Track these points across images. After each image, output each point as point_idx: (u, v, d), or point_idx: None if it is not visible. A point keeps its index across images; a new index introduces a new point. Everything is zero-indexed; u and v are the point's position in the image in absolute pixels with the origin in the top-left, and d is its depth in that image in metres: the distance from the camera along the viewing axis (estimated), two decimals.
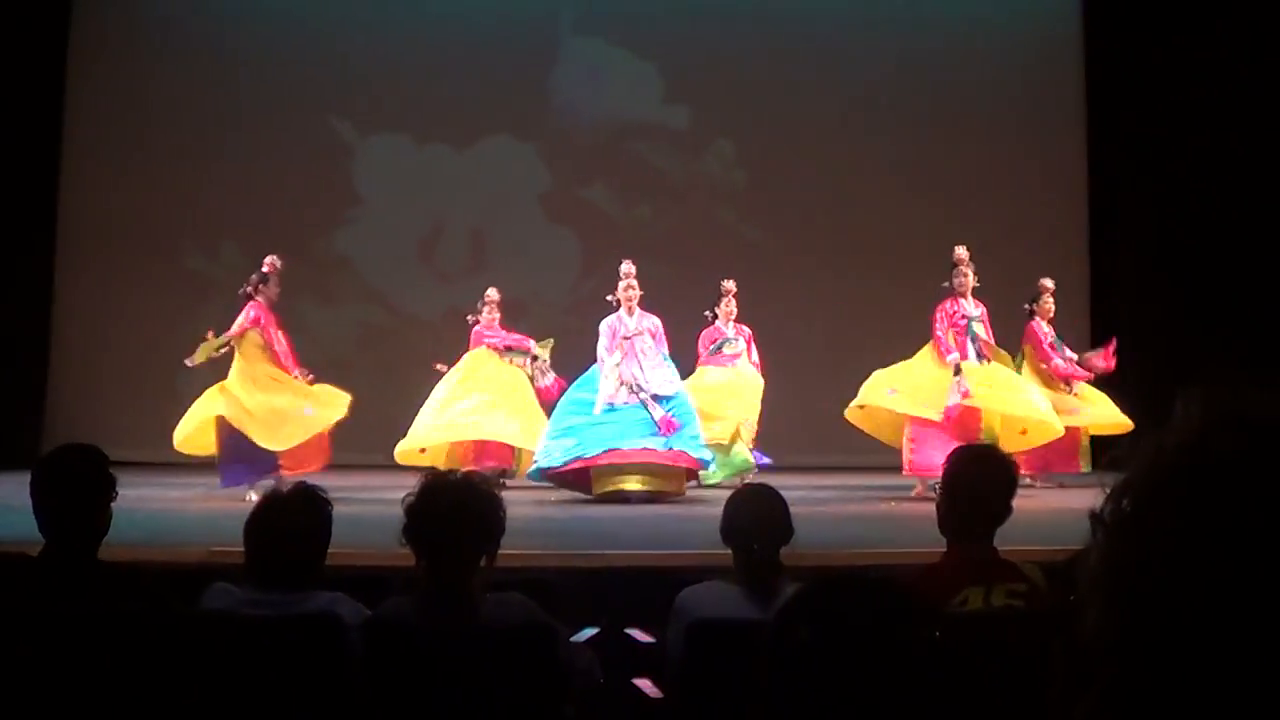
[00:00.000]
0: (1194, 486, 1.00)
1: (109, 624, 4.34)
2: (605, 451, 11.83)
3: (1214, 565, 0.97)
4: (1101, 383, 13.31)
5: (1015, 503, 4.56)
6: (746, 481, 9.84)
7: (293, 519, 4.44)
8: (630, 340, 12.28)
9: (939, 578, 4.36)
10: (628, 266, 12.52)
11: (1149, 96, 15.41)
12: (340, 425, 12.23)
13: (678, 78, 16.24)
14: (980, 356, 12.37)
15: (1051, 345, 13.11)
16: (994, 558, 4.50)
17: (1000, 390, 12.21)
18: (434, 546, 4.24)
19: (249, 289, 12.09)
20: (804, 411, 13.51)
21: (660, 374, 12.20)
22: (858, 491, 12.56)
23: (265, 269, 12.14)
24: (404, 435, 12.83)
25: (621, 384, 12.12)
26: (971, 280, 12.51)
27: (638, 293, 12.44)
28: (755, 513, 4.88)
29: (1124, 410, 12.66)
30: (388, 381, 13.76)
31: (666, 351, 12.36)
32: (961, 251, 12.60)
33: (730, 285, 13.34)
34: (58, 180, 15.66)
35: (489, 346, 13.02)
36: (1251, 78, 14.53)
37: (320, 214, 15.93)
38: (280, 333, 12.11)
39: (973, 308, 12.53)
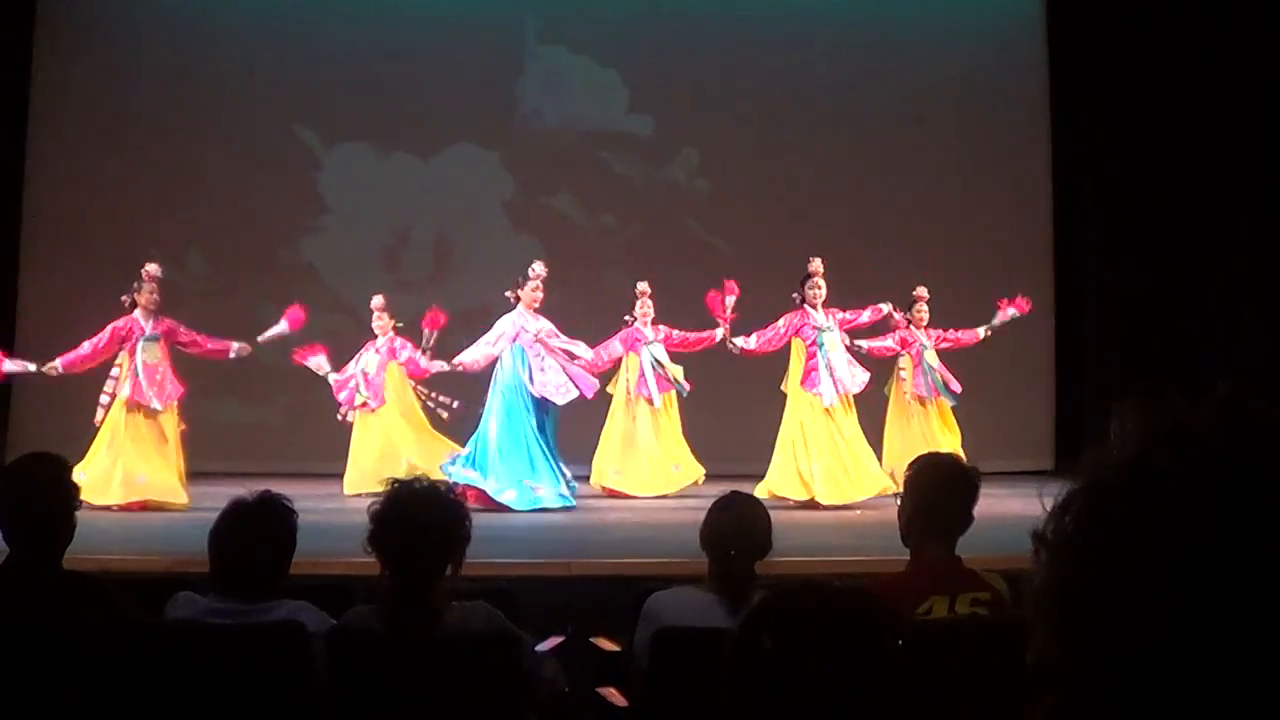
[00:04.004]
0: (1134, 501, 1.00)
1: (73, 633, 4.32)
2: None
3: (1158, 581, 0.97)
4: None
5: (977, 510, 4.57)
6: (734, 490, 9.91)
7: (257, 528, 4.43)
8: (536, 340, 12.29)
9: (903, 587, 4.38)
10: (539, 268, 12.52)
11: (1112, 96, 15.47)
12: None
13: (642, 87, 16.23)
14: (832, 375, 12.43)
15: (899, 341, 13.15)
16: (958, 567, 4.51)
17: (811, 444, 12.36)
18: (399, 554, 4.23)
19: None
20: (768, 420, 13.50)
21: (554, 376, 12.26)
22: None
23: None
24: None
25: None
26: (823, 293, 12.55)
27: (541, 295, 12.43)
28: (738, 521, 4.88)
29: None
30: None
31: (553, 354, 12.38)
32: (816, 264, 12.63)
33: (644, 287, 13.43)
34: (21, 187, 15.55)
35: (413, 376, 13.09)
36: (1216, 77, 14.60)
37: (286, 222, 15.88)
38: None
39: (824, 319, 12.58)
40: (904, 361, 13.20)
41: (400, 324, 13.25)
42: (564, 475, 12.17)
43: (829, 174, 16.08)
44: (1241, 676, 0.95)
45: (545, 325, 12.41)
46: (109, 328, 11.89)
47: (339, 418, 13.05)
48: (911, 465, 4.79)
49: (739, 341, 12.65)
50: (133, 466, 11.62)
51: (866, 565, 7.46)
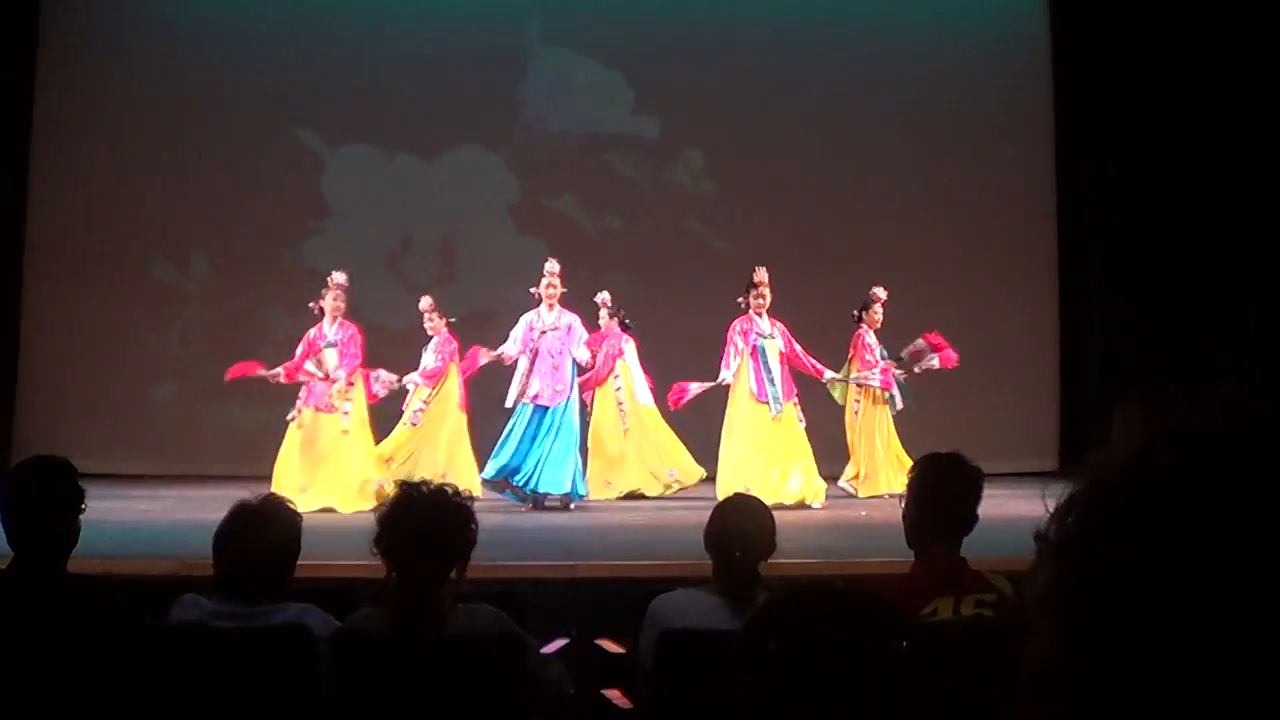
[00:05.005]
0: (1136, 502, 1.00)
1: (78, 636, 4.32)
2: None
3: (1160, 581, 0.97)
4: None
5: (981, 511, 4.57)
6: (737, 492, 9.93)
7: (262, 531, 4.43)
8: (545, 334, 12.33)
9: (908, 588, 4.37)
10: (552, 265, 12.58)
11: (1117, 95, 15.44)
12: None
13: (647, 89, 16.23)
14: (769, 382, 12.44)
15: (872, 353, 13.04)
16: (963, 568, 4.51)
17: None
18: (405, 557, 4.24)
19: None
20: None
21: (549, 380, 12.32)
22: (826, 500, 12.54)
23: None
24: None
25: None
26: (767, 301, 12.58)
27: (559, 290, 12.49)
28: (742, 522, 4.88)
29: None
30: None
31: (580, 347, 12.46)
32: (762, 274, 12.63)
33: (601, 299, 13.53)
34: (26, 190, 15.57)
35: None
36: (1220, 72, 14.59)
37: (289, 226, 15.87)
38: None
39: (768, 326, 12.59)
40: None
41: (453, 319, 13.19)
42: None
43: (833, 175, 16.07)
44: (1243, 677, 0.95)
45: (567, 320, 12.50)
46: (304, 336, 12.17)
47: (410, 426, 12.96)
48: (914, 466, 4.79)
49: (725, 374, 12.54)
50: (302, 473, 11.76)
51: (871, 566, 7.46)
